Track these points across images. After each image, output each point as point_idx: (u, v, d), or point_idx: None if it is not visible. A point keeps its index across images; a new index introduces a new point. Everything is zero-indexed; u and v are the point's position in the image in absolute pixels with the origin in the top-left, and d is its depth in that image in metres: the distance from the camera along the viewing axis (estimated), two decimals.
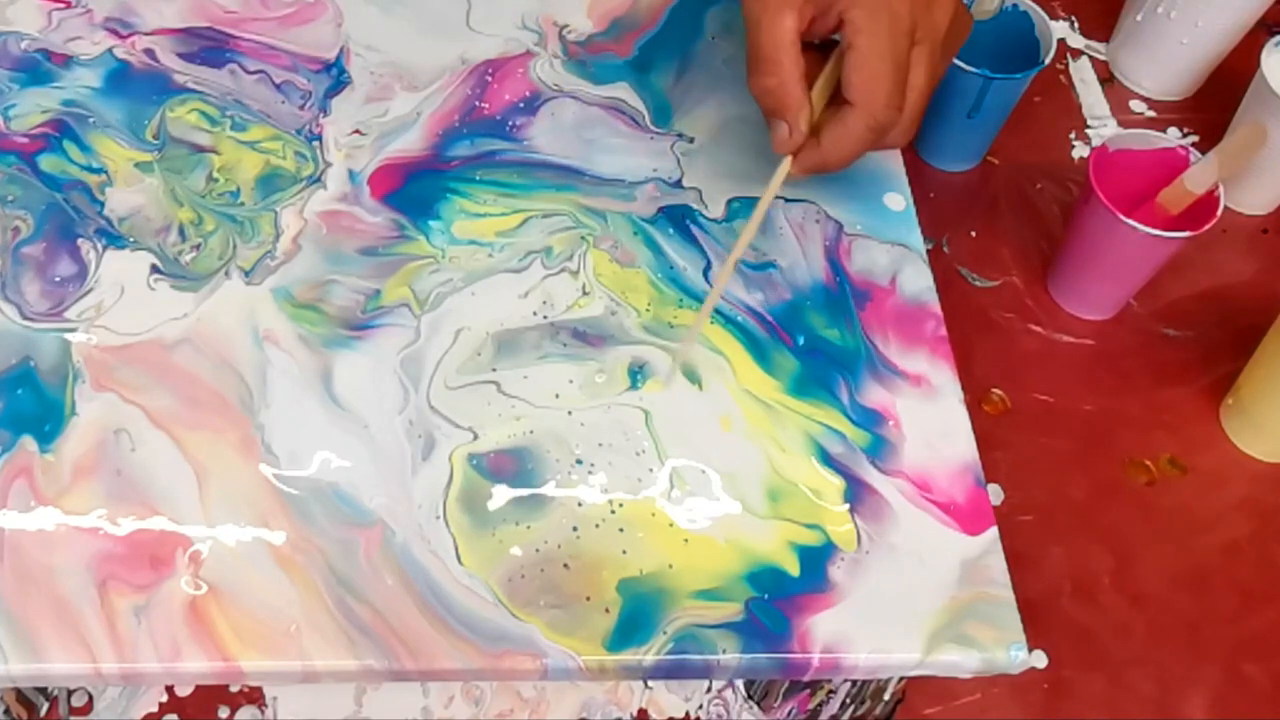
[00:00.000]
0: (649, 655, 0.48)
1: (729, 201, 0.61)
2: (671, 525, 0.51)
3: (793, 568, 0.50)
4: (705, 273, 0.58)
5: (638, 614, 0.49)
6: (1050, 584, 0.65)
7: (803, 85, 0.53)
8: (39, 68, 0.63)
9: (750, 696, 0.64)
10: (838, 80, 0.53)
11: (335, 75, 0.64)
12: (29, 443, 0.51)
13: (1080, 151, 0.83)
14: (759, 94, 0.54)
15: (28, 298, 0.55)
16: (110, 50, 0.64)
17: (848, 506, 0.52)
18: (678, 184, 0.62)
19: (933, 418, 0.55)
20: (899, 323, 0.58)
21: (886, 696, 0.61)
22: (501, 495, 0.51)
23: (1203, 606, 0.65)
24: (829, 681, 0.61)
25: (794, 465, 0.53)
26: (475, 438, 0.52)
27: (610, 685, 0.64)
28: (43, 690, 0.62)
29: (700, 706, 0.64)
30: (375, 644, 0.47)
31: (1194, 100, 0.87)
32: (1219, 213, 0.68)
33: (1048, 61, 0.75)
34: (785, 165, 0.55)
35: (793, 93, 0.53)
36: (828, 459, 0.53)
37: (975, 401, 0.71)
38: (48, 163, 0.60)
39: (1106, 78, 0.88)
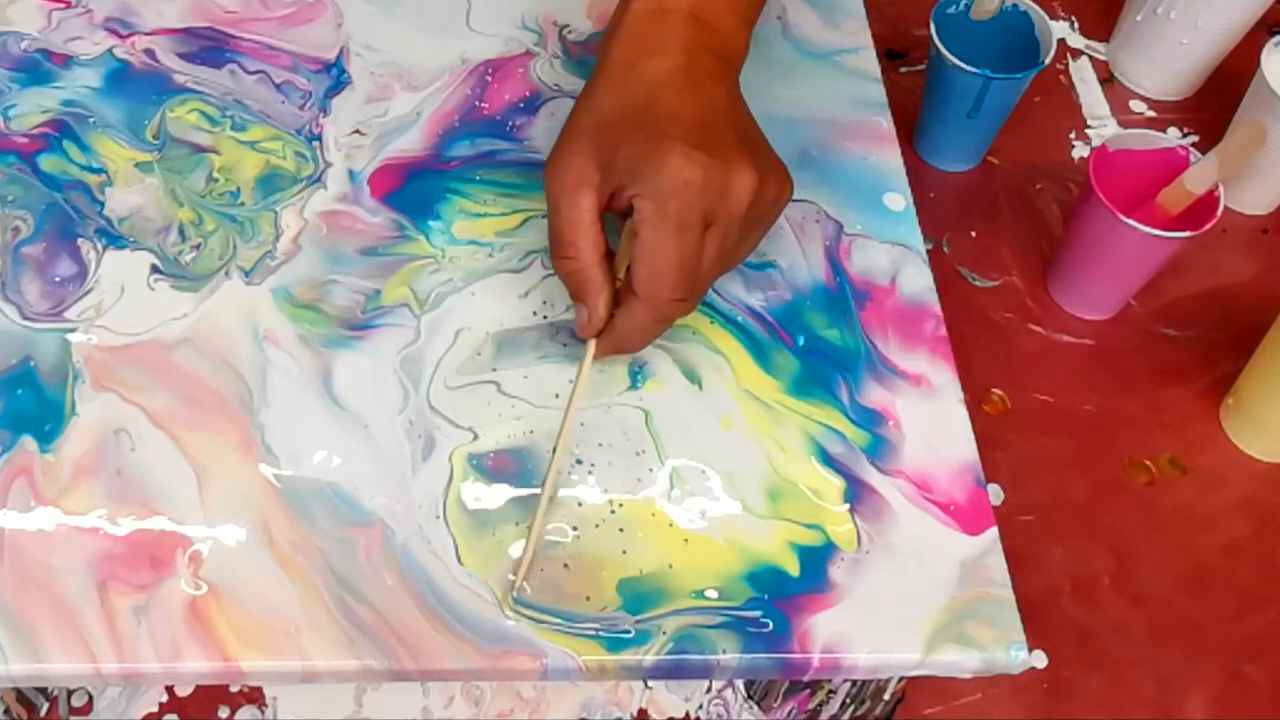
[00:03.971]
0: (649, 655, 0.48)
1: None
2: (671, 525, 0.51)
3: (793, 568, 0.50)
4: None
5: (638, 614, 0.49)
6: (1050, 584, 0.65)
7: (602, 268, 0.51)
8: (39, 68, 0.63)
9: (750, 696, 0.64)
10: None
11: (335, 75, 0.64)
12: (29, 443, 0.51)
13: (1080, 151, 0.83)
14: (561, 276, 0.52)
15: (28, 298, 0.55)
16: (110, 50, 0.64)
17: (848, 506, 0.52)
18: None
19: (933, 418, 0.55)
20: (899, 323, 0.58)
21: (886, 696, 0.60)
22: (501, 495, 0.51)
23: (1203, 606, 0.65)
24: (829, 681, 0.61)
25: (794, 465, 0.53)
26: (475, 438, 0.52)
27: (610, 685, 0.64)
28: (43, 690, 0.62)
29: (700, 706, 0.64)
30: (375, 644, 0.47)
31: (1194, 100, 0.87)
32: (1219, 213, 0.68)
33: (1048, 61, 0.75)
34: (591, 347, 0.53)
35: (592, 278, 0.51)
36: (828, 459, 0.53)
37: (975, 401, 0.71)
38: (48, 163, 0.60)
39: (1106, 78, 0.88)
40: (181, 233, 0.58)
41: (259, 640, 0.47)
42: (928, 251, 0.61)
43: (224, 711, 0.62)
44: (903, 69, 0.86)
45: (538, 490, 0.51)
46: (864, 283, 0.59)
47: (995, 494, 0.68)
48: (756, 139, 0.53)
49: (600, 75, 0.53)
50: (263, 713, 0.62)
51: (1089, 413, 0.71)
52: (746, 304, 0.58)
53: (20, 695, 0.60)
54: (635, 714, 0.63)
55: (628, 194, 0.50)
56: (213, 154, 0.61)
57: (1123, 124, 0.85)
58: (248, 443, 0.52)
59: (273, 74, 0.64)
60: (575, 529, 0.50)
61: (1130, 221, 0.67)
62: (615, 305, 0.52)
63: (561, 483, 0.52)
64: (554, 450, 0.51)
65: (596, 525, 0.51)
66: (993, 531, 0.52)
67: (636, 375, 0.55)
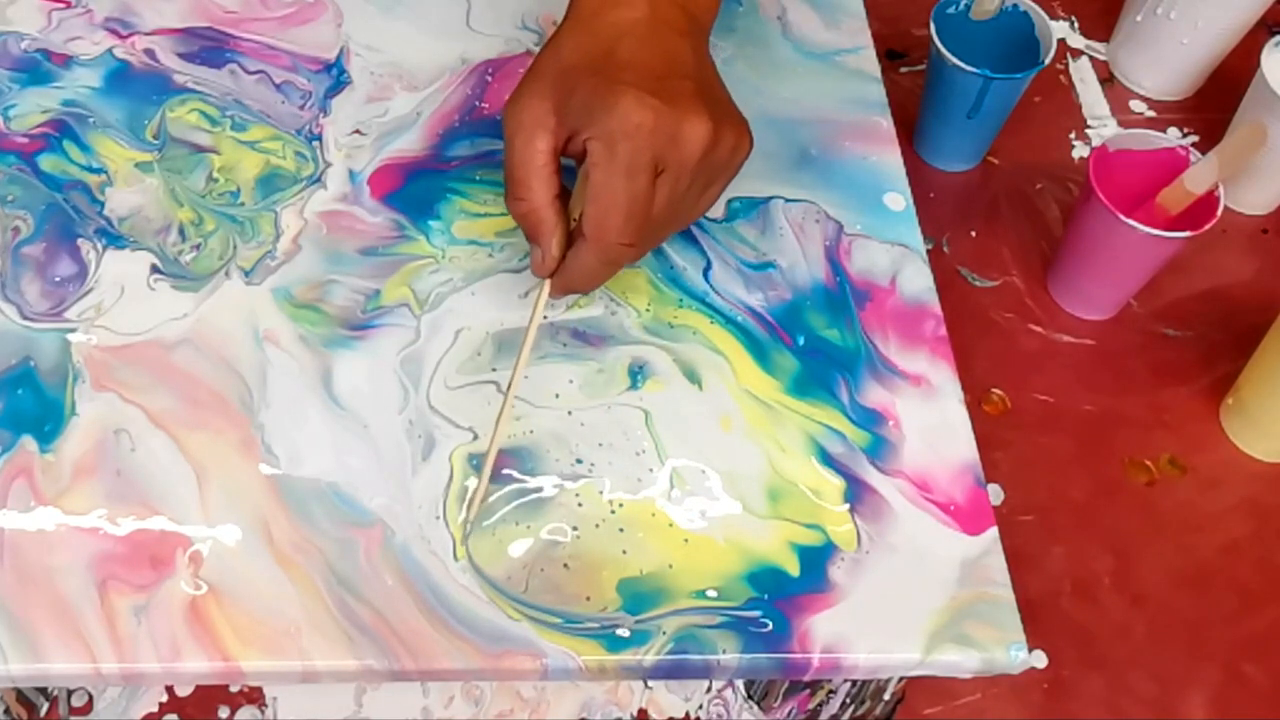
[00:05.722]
0: (649, 655, 0.48)
1: (729, 202, 0.61)
2: (671, 525, 0.51)
3: (793, 568, 0.50)
4: (705, 273, 0.58)
5: (637, 614, 0.49)
6: (1050, 584, 0.65)
7: (554, 208, 0.52)
8: (39, 68, 0.63)
9: (750, 696, 0.64)
10: None
11: (335, 75, 0.64)
12: (29, 443, 0.51)
13: (1080, 151, 0.83)
14: (515, 217, 0.53)
15: (28, 298, 0.55)
16: (110, 50, 0.64)
17: (848, 506, 0.52)
18: None
19: (933, 418, 0.55)
20: (899, 323, 0.58)
21: (886, 696, 0.61)
22: (501, 495, 0.51)
23: (1203, 606, 0.66)
24: (829, 681, 0.61)
25: (794, 465, 0.53)
26: (475, 438, 0.52)
27: (610, 685, 0.64)
28: (43, 690, 0.62)
29: (700, 706, 0.64)
30: (375, 644, 0.47)
31: (1194, 100, 0.87)
32: (1219, 213, 0.68)
33: (1048, 61, 0.75)
34: (545, 287, 0.53)
35: (544, 218, 0.52)
36: (828, 459, 0.53)
37: (975, 401, 0.71)
38: (48, 163, 0.60)
39: (1106, 78, 0.88)
40: (181, 233, 0.58)
41: (259, 640, 0.47)
42: (928, 251, 0.61)
43: (224, 711, 0.62)
44: (903, 69, 0.86)
45: (538, 490, 0.51)
46: (864, 283, 0.59)
47: (995, 494, 0.68)
48: (717, 92, 0.53)
49: (567, 22, 0.54)
50: (263, 713, 0.62)
51: (1089, 413, 0.71)
52: (746, 304, 0.58)
53: (20, 695, 0.60)
54: (635, 714, 0.64)
55: (582, 137, 0.50)
56: (213, 154, 0.61)
57: (1123, 124, 0.85)
58: (248, 443, 0.52)
59: (273, 74, 0.64)
60: (575, 529, 0.51)
61: (1130, 221, 0.67)
62: (570, 247, 0.52)
63: (564, 481, 0.52)
64: (508, 386, 0.52)
65: (596, 525, 0.51)
66: (993, 531, 0.52)
67: (636, 375, 0.55)
